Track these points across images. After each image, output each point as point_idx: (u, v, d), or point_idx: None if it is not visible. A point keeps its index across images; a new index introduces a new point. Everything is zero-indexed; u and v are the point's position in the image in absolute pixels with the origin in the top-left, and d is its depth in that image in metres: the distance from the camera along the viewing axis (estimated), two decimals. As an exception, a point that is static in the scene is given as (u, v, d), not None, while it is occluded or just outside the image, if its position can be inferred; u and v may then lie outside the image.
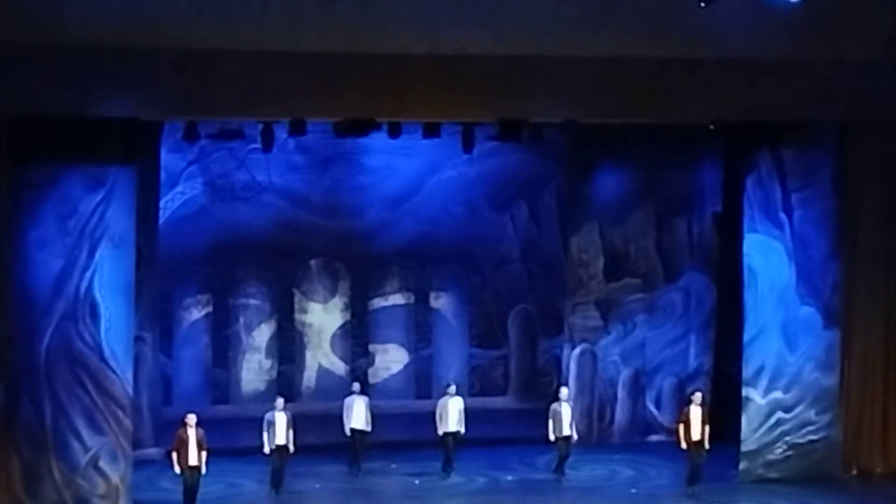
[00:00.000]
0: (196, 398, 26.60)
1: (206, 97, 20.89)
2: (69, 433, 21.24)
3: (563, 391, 23.80)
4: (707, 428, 22.30)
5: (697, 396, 22.64)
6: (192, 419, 21.12)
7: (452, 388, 23.85)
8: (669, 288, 26.76)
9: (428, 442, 24.01)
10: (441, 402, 23.75)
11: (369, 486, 23.22)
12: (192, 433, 21.03)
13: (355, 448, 23.59)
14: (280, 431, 22.18)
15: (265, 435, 22.20)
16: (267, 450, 22.25)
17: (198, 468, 21.09)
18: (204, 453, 21.11)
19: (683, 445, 22.38)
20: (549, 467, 23.58)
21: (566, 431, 23.22)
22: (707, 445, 22.34)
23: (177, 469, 21.13)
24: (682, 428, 22.39)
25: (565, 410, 23.29)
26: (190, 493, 21.13)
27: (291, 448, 22.32)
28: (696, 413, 22.33)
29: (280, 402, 22.57)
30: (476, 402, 26.93)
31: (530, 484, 23.37)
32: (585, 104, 22.02)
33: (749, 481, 23.15)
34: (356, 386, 24.00)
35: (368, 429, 23.50)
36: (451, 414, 23.50)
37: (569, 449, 23.36)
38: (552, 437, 23.22)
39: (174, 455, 21.14)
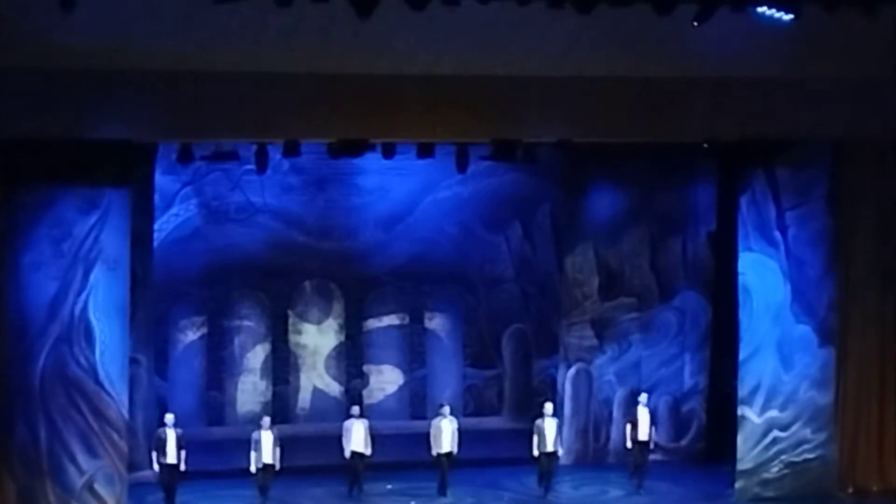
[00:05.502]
0: (191, 420, 26.47)
1: (199, 119, 20.86)
2: (64, 456, 21.23)
3: (548, 406, 23.80)
4: (653, 429, 24.00)
5: (643, 397, 24.25)
6: (170, 418, 21.82)
7: (446, 409, 23.82)
8: (664, 307, 26.72)
9: (423, 462, 23.91)
10: (434, 422, 23.73)
11: (365, 508, 23.25)
12: (170, 432, 21.57)
13: (355, 471, 23.50)
14: (266, 450, 22.31)
15: (252, 455, 22.34)
16: (253, 469, 22.38)
17: (177, 466, 21.59)
18: (183, 452, 21.60)
19: (629, 444, 23.89)
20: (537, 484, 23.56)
21: (550, 447, 23.24)
22: (651, 446, 23.97)
23: (155, 467, 21.67)
24: (629, 427, 23.97)
25: (549, 426, 23.32)
26: (169, 490, 21.62)
27: (278, 466, 22.44)
28: (643, 413, 23.95)
29: (266, 420, 22.80)
30: (470, 423, 26.89)
31: (526, 504, 23.37)
32: (579, 124, 22.02)
33: (745, 500, 23.18)
34: (355, 409, 23.90)
35: (368, 452, 23.38)
36: (445, 434, 23.48)
37: (552, 465, 23.42)
38: (535, 453, 23.26)
39: (153, 454, 21.68)
